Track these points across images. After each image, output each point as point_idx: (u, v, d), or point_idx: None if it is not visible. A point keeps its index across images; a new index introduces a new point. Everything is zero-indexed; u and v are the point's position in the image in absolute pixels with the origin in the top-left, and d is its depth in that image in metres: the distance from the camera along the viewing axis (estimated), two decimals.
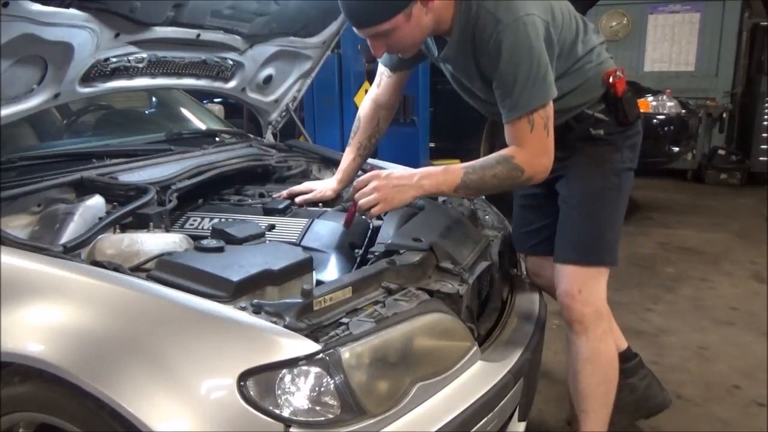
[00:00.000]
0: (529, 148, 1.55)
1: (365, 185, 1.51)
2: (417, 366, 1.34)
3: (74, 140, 2.37)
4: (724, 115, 7.37)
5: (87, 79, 1.85)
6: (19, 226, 1.57)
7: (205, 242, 1.47)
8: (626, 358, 2.13)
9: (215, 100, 3.72)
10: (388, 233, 1.67)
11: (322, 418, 1.17)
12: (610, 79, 1.74)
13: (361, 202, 1.46)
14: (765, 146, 7.00)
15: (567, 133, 1.75)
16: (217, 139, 2.52)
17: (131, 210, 1.64)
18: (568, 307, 1.81)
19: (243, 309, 1.25)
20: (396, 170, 1.52)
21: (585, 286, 1.78)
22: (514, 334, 1.76)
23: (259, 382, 1.14)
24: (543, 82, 1.53)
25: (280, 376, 1.15)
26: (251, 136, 2.64)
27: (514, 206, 2.10)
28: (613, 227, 1.81)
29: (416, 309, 1.40)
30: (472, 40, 1.58)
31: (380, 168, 1.99)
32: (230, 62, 2.28)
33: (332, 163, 2.34)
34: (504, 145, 1.63)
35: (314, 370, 1.17)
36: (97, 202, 1.65)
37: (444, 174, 1.55)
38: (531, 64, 1.51)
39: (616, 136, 1.78)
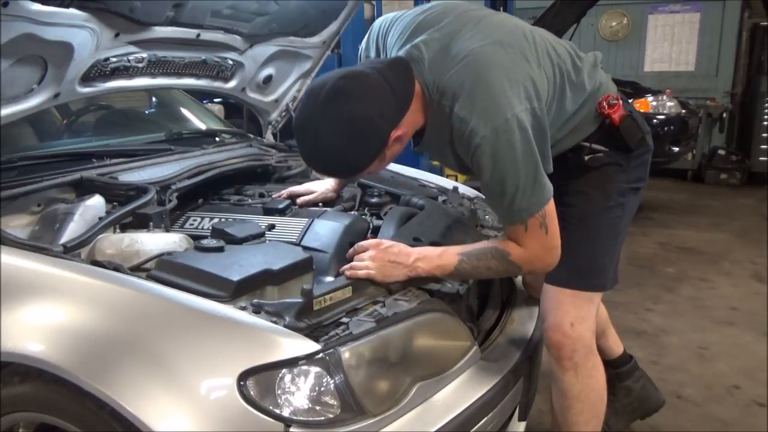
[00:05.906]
0: (528, 248, 1.45)
1: (364, 251, 1.51)
2: (417, 366, 1.34)
3: (74, 140, 2.37)
4: (724, 115, 7.38)
5: (87, 78, 1.85)
6: (19, 225, 1.57)
7: (205, 242, 1.47)
8: (622, 362, 2.13)
9: (215, 100, 3.72)
10: (388, 233, 1.67)
11: (322, 418, 1.17)
12: (605, 109, 1.59)
13: (353, 264, 1.47)
14: (765, 146, 7.00)
15: (562, 162, 1.62)
16: (217, 139, 2.52)
17: (131, 210, 1.64)
18: (558, 343, 1.67)
19: (243, 309, 1.26)
20: (398, 245, 1.52)
21: (577, 318, 1.65)
22: (514, 334, 1.76)
23: (259, 382, 1.14)
24: (533, 191, 1.40)
25: (280, 375, 1.15)
26: (251, 136, 2.63)
27: None
28: (611, 251, 1.69)
29: (416, 308, 1.41)
30: (450, 140, 1.47)
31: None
32: (230, 62, 2.28)
33: None
34: None
35: (314, 369, 1.18)
36: (97, 202, 1.65)
37: (439, 258, 1.49)
38: (518, 176, 1.38)
39: (620, 158, 1.65)
